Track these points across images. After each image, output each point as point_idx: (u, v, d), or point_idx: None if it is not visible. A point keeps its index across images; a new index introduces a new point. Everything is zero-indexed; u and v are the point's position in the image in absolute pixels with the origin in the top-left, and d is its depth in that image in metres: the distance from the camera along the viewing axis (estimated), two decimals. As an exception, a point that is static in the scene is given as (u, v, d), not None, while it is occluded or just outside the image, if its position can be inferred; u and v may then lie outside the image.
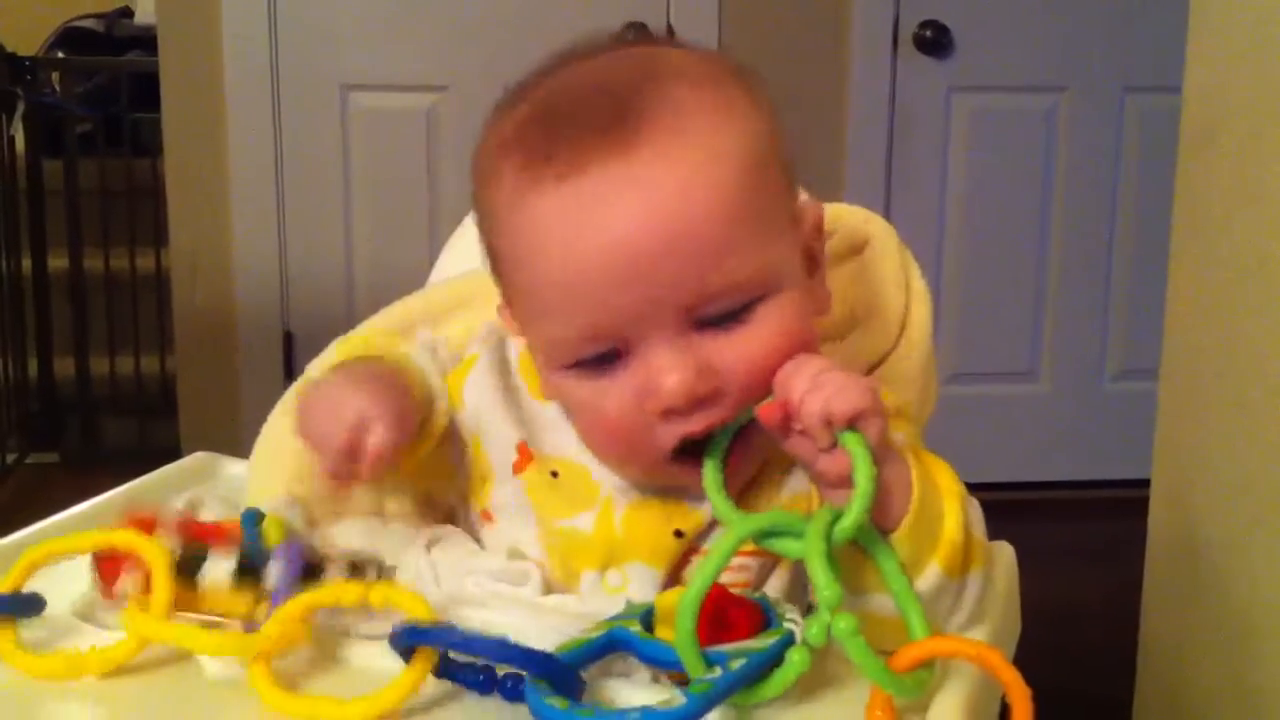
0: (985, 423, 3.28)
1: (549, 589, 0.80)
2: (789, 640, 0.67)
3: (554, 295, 0.75)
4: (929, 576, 0.73)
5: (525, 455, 0.84)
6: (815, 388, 0.71)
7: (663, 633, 0.69)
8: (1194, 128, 1.62)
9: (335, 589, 0.71)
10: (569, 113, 0.75)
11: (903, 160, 3.22)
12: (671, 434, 0.75)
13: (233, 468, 1.08)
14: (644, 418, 0.75)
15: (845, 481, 0.70)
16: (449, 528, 0.86)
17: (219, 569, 0.73)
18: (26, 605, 0.75)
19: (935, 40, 3.15)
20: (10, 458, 3.42)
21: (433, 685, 0.68)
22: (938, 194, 3.25)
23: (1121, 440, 3.15)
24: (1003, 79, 3.22)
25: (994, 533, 0.90)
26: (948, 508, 0.74)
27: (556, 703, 0.63)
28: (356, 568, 0.77)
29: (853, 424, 0.70)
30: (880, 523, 0.72)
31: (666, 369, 0.73)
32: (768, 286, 0.75)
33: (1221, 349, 1.55)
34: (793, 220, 0.81)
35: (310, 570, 0.74)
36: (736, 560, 0.78)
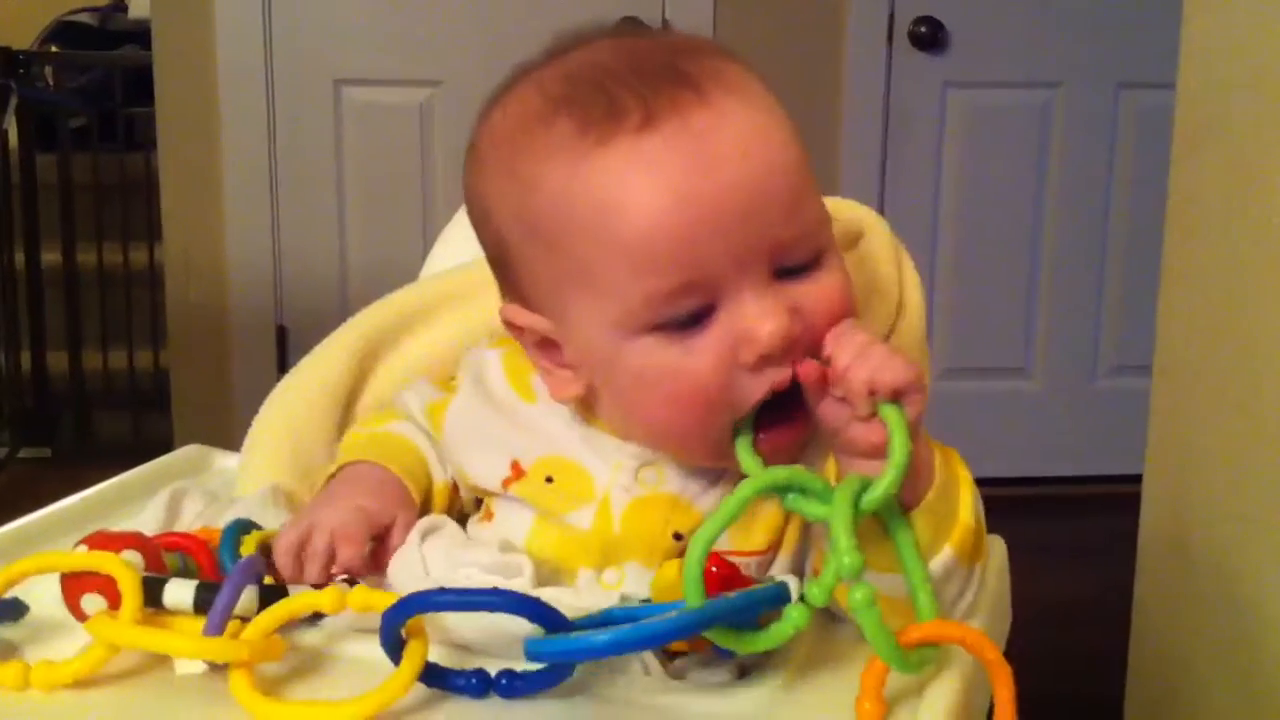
0: (977, 418, 3.28)
1: (541, 583, 0.80)
2: (786, 592, 0.67)
3: (636, 252, 0.72)
4: (943, 558, 0.74)
5: (518, 471, 0.83)
6: (863, 356, 0.71)
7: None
8: (1188, 124, 1.62)
9: (313, 596, 0.70)
10: (621, 73, 0.74)
11: (897, 156, 3.22)
12: (761, 386, 0.73)
13: (224, 461, 1.07)
14: (733, 374, 0.73)
15: (876, 452, 0.70)
16: (444, 519, 0.86)
17: (180, 594, 0.71)
18: (6, 611, 0.74)
19: (930, 36, 3.15)
20: (2, 452, 3.42)
21: (421, 690, 0.67)
22: (932, 189, 3.26)
23: (1114, 437, 3.15)
24: (997, 75, 3.22)
25: (986, 528, 0.90)
26: (962, 493, 0.75)
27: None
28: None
29: (896, 398, 0.70)
30: (905, 498, 0.72)
31: (762, 314, 0.72)
32: (827, 240, 0.77)
33: (1214, 346, 1.55)
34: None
35: (276, 592, 0.73)
36: (735, 560, 0.78)
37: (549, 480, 0.82)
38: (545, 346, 0.81)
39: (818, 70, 3.15)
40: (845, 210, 1.02)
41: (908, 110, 3.21)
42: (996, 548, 0.89)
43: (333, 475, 0.88)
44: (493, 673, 0.68)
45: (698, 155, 0.71)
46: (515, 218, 0.78)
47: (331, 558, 0.77)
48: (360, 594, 0.69)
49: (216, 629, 0.68)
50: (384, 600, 0.68)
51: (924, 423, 0.73)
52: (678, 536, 0.79)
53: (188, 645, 0.68)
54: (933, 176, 3.25)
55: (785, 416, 0.75)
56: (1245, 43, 1.49)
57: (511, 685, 0.67)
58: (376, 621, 0.74)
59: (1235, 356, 1.50)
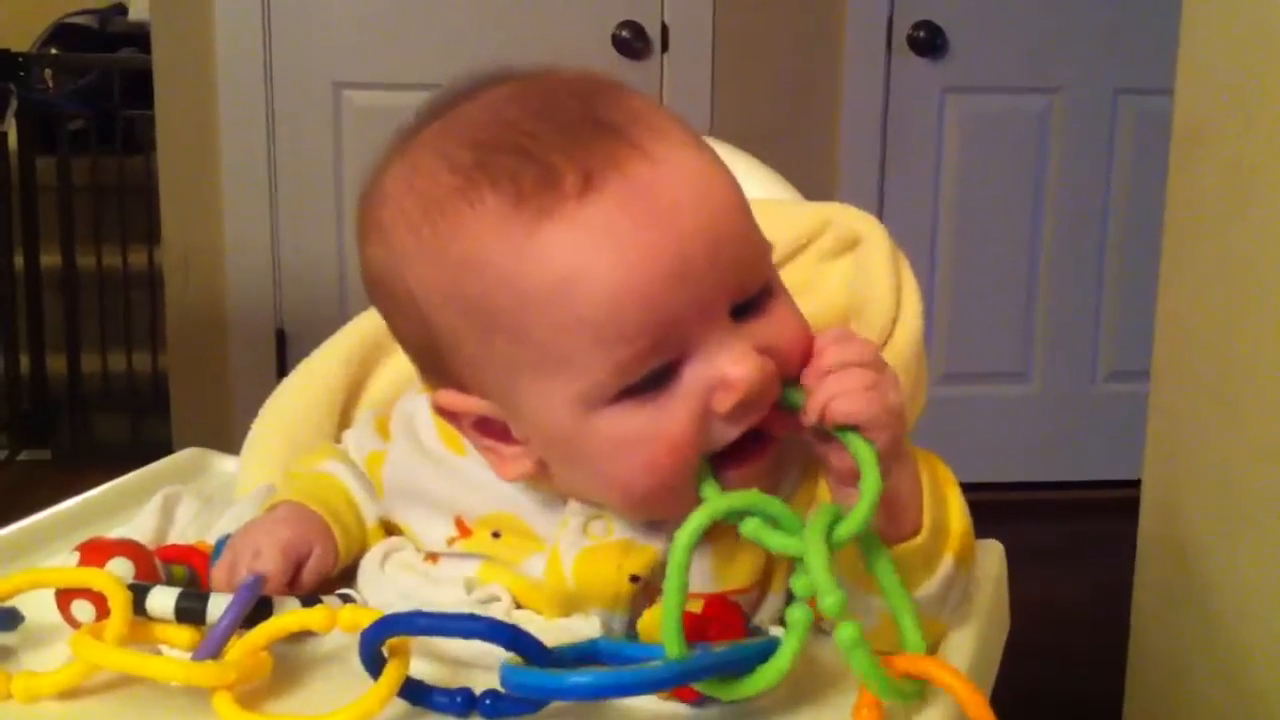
0: (976, 423, 3.29)
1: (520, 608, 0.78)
2: (776, 646, 0.65)
3: (611, 321, 0.67)
4: (944, 568, 0.73)
5: (463, 530, 0.80)
6: (834, 378, 0.69)
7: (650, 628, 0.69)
8: (1185, 130, 1.63)
9: (302, 615, 0.70)
10: (538, 131, 0.69)
11: (896, 161, 3.23)
12: (737, 429, 0.70)
13: (223, 464, 1.07)
14: (707, 424, 0.70)
15: (851, 479, 0.68)
16: (397, 539, 0.84)
17: (162, 601, 0.71)
18: (2, 620, 0.74)
19: (929, 41, 3.16)
20: (1, 454, 3.42)
21: (404, 707, 0.67)
22: (931, 194, 3.26)
23: (1112, 442, 3.16)
24: (996, 80, 3.22)
25: (984, 533, 0.90)
26: (950, 497, 0.74)
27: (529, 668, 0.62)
28: (313, 604, 0.74)
29: (856, 430, 0.68)
30: (892, 530, 0.70)
31: (734, 361, 0.68)
32: (771, 277, 0.74)
33: (1213, 351, 1.55)
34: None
35: (261, 606, 0.72)
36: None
37: (496, 535, 0.79)
38: (485, 425, 0.75)
39: (816, 75, 3.15)
40: (843, 215, 1.02)
41: (906, 115, 3.21)
42: (994, 551, 0.89)
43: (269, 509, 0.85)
44: (478, 691, 0.66)
45: (650, 210, 0.67)
46: (446, 305, 0.71)
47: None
48: (349, 613, 0.69)
49: (209, 654, 0.68)
50: (373, 619, 0.67)
51: (906, 445, 0.71)
52: (634, 579, 0.74)
53: (174, 670, 0.67)
54: (931, 182, 3.26)
55: (753, 448, 0.72)
56: (1242, 48, 1.50)
57: (495, 706, 0.65)
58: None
59: (1233, 362, 1.50)
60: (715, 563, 0.75)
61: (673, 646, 0.63)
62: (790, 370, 0.71)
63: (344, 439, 0.92)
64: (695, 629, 0.66)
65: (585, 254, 0.67)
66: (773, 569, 0.77)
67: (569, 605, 0.76)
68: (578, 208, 0.67)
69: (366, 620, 0.67)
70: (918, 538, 0.71)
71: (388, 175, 0.74)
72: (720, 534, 0.74)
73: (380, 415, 0.89)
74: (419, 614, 0.66)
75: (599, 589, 0.75)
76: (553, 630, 0.72)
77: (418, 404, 0.84)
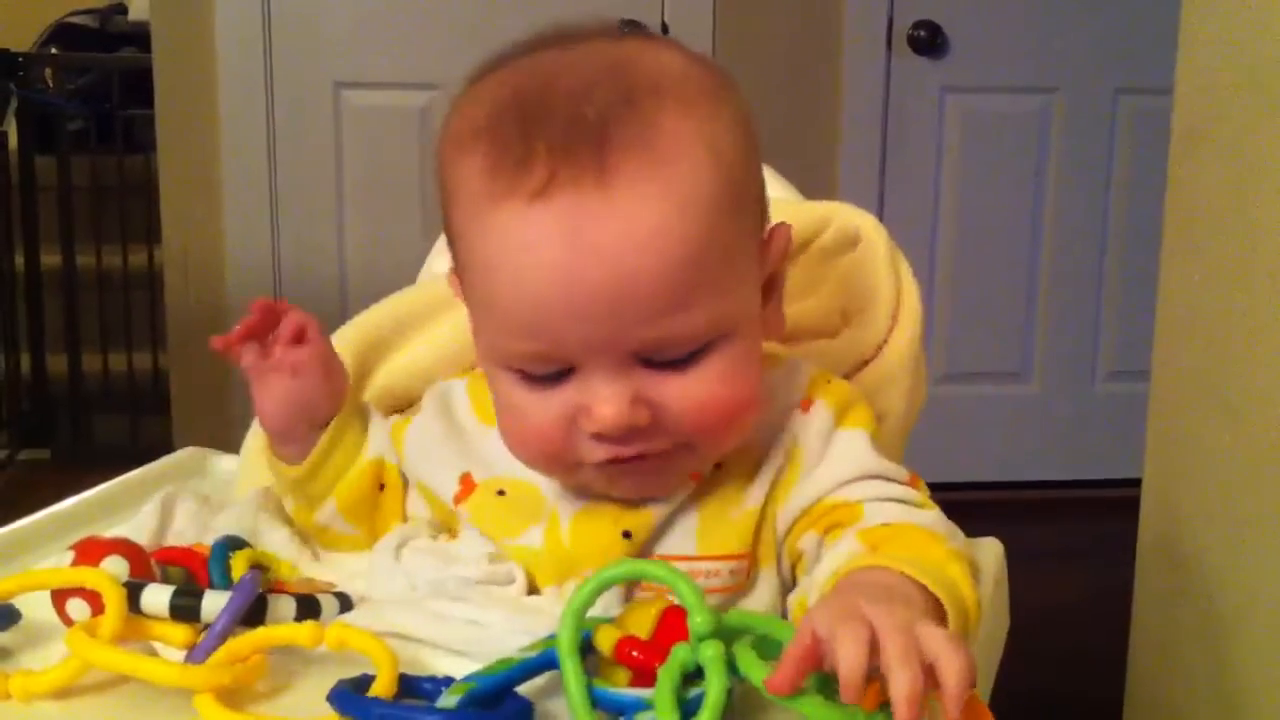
0: (976, 423, 3.29)
1: (531, 592, 0.79)
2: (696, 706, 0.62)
3: (504, 312, 0.74)
4: (973, 640, 0.72)
5: (468, 485, 0.84)
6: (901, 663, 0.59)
7: (604, 662, 0.67)
8: (1184, 130, 1.63)
9: (289, 629, 0.70)
10: (553, 114, 0.72)
11: (896, 160, 3.22)
12: (600, 452, 0.75)
13: (222, 463, 1.07)
14: (575, 433, 0.75)
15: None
16: (416, 528, 0.86)
17: (157, 598, 0.71)
18: (0, 619, 0.74)
19: (929, 40, 3.15)
20: (1, 454, 3.42)
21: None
22: (931, 194, 3.26)
23: (1112, 441, 3.16)
24: (996, 80, 3.22)
25: (984, 532, 0.91)
26: (957, 576, 0.72)
27: None
28: (309, 601, 0.75)
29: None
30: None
31: (605, 399, 0.73)
32: (721, 333, 0.75)
33: (1212, 351, 1.55)
34: (758, 253, 0.80)
35: (256, 603, 0.72)
36: (706, 565, 0.77)
37: (501, 493, 0.82)
38: (476, 334, 0.82)
39: (816, 74, 3.15)
40: (842, 214, 1.02)
41: (906, 115, 3.21)
42: (994, 551, 0.89)
43: None
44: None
45: (574, 243, 0.70)
46: (447, 203, 0.79)
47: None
48: (337, 630, 0.69)
49: (205, 655, 0.68)
50: (360, 638, 0.68)
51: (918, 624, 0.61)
52: (627, 534, 0.78)
53: (168, 673, 0.67)
54: (931, 181, 3.25)
55: (631, 461, 0.75)
56: (1242, 48, 1.50)
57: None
58: (375, 629, 0.74)
59: (1233, 361, 1.50)
60: (701, 529, 0.78)
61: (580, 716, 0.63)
62: (679, 430, 0.74)
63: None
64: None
65: (510, 251, 0.72)
66: (759, 540, 0.79)
67: (565, 569, 0.78)
68: (525, 207, 0.71)
69: (354, 639, 0.67)
70: None
71: (466, 95, 0.79)
72: (706, 500, 0.79)
73: (435, 377, 0.95)
74: (379, 702, 0.64)
75: (593, 548, 0.78)
76: (512, 634, 0.72)
77: (455, 383, 0.90)
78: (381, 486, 0.89)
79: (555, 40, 0.80)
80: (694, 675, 0.63)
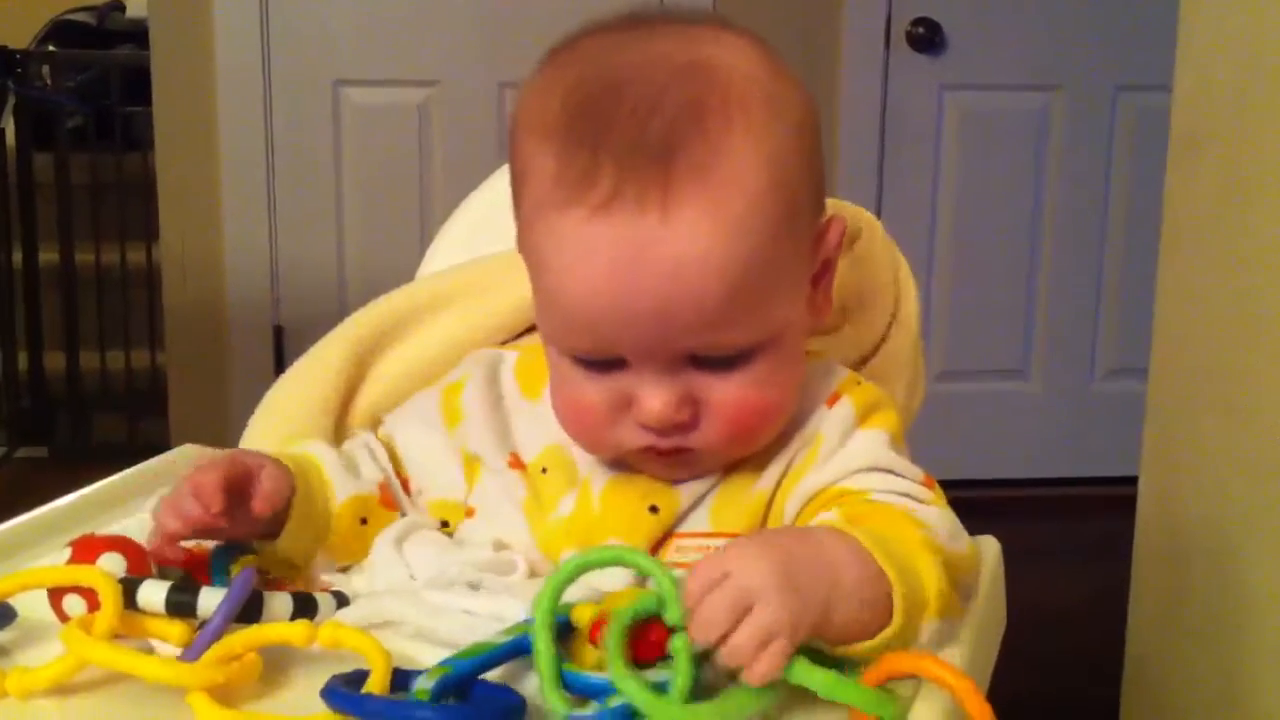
0: (975, 420, 3.29)
1: (534, 577, 0.80)
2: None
3: (560, 308, 0.78)
4: (927, 630, 0.72)
5: (516, 463, 0.87)
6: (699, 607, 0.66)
7: (578, 644, 0.68)
8: (1183, 128, 1.63)
9: (283, 628, 0.70)
10: (620, 125, 0.75)
11: (894, 158, 3.22)
12: (641, 439, 0.79)
13: (220, 461, 1.07)
14: (621, 418, 0.79)
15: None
16: (419, 520, 0.86)
17: (153, 594, 0.71)
18: None
19: (927, 38, 3.15)
20: (-1, 452, 3.42)
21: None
22: (929, 192, 3.26)
23: (1111, 439, 3.15)
24: (995, 77, 3.22)
25: (981, 530, 0.90)
26: (921, 565, 0.72)
27: None
28: (305, 599, 0.75)
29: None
30: (864, 633, 0.69)
31: (653, 395, 0.77)
32: (766, 339, 0.78)
33: (1210, 349, 1.55)
34: (810, 251, 0.83)
35: (252, 600, 0.72)
36: (717, 541, 0.78)
37: (544, 471, 0.85)
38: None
39: (815, 71, 3.15)
40: (840, 211, 1.02)
41: (905, 112, 3.21)
42: (991, 549, 0.89)
43: None
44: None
45: (631, 261, 0.74)
46: (515, 190, 0.82)
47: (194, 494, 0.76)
48: (330, 629, 0.69)
49: (200, 653, 0.68)
50: (353, 636, 0.68)
51: (819, 606, 0.66)
52: (654, 509, 0.81)
53: (162, 671, 0.67)
54: (930, 179, 3.25)
55: (666, 452, 0.80)
56: (1240, 46, 1.50)
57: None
58: (372, 621, 0.74)
59: (1231, 359, 1.50)
60: (717, 506, 0.82)
61: (554, 704, 0.64)
62: (716, 427, 0.79)
63: (386, 421, 0.94)
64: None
65: (568, 256, 0.76)
66: (765, 520, 0.82)
67: (590, 534, 0.81)
68: (588, 217, 0.74)
69: (347, 638, 0.68)
70: (885, 632, 0.69)
71: (544, 76, 0.82)
72: (726, 481, 0.82)
73: (433, 374, 0.96)
74: (372, 698, 0.64)
75: (620, 517, 0.81)
76: (482, 622, 0.72)
77: (506, 356, 0.93)
78: (364, 521, 0.86)
79: (632, 25, 0.82)
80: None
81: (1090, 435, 3.32)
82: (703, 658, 0.64)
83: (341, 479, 0.87)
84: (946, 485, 0.83)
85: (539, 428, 0.86)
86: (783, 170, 0.77)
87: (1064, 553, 2.83)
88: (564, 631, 0.68)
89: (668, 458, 0.80)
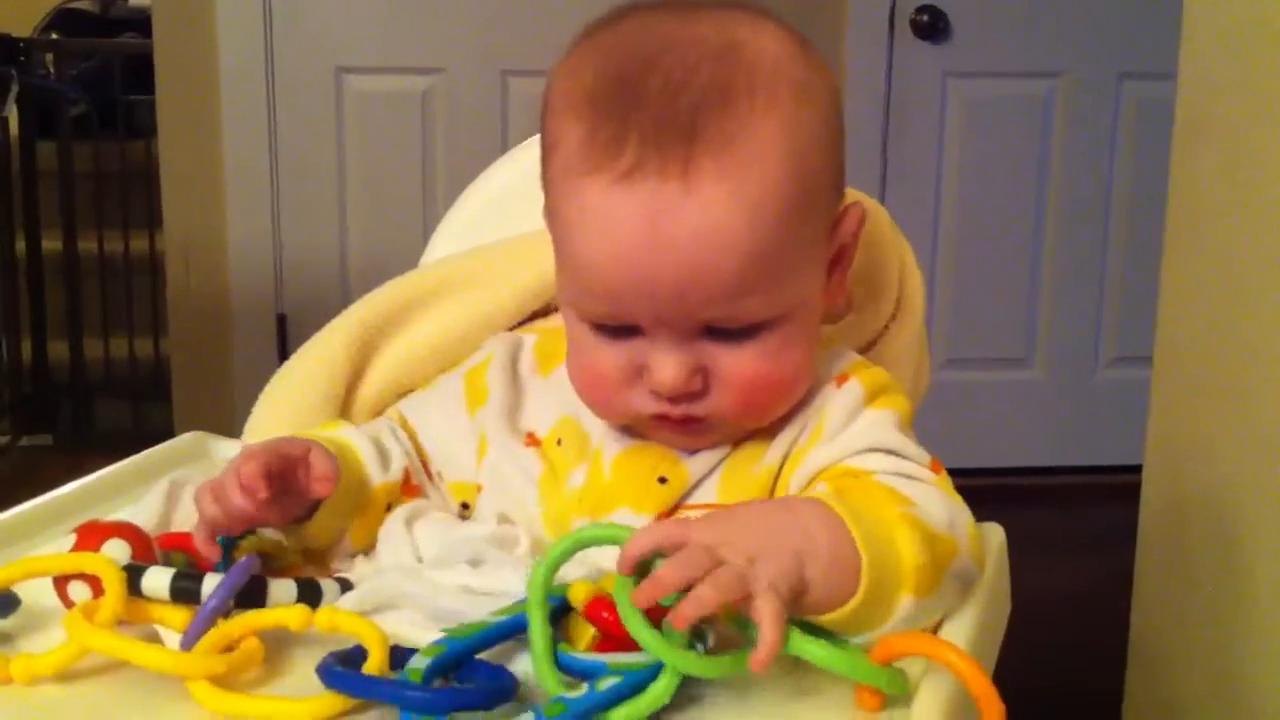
0: (978, 409, 3.29)
1: (537, 554, 0.80)
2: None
3: (580, 274, 0.80)
4: (904, 608, 0.71)
5: (534, 441, 0.88)
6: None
7: (574, 623, 0.69)
8: (1188, 116, 1.62)
9: (279, 613, 0.70)
10: (649, 98, 0.77)
11: (898, 145, 3.22)
12: (652, 405, 0.81)
13: (223, 448, 1.07)
14: (634, 384, 0.81)
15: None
16: (423, 502, 0.87)
17: (158, 581, 0.71)
18: (1, 606, 0.74)
19: (931, 25, 3.15)
20: (3, 440, 3.42)
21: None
22: (933, 179, 3.25)
23: (1114, 427, 3.16)
24: (999, 65, 3.21)
25: (985, 518, 0.90)
26: (899, 537, 0.71)
27: None
28: (310, 585, 0.75)
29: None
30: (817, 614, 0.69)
31: (665, 364, 0.79)
32: (780, 314, 0.80)
33: (1214, 337, 1.55)
34: (828, 234, 0.84)
35: (256, 586, 0.72)
36: None
37: (559, 443, 0.87)
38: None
39: (819, 59, 3.14)
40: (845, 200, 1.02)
41: (909, 100, 3.21)
42: (995, 536, 0.89)
43: None
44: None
45: (650, 230, 0.76)
46: (544, 158, 0.84)
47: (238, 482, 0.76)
48: (327, 614, 0.69)
49: (196, 634, 0.68)
50: (349, 621, 0.68)
51: (792, 569, 0.67)
52: (662, 480, 0.83)
53: (164, 660, 0.67)
54: (934, 166, 3.25)
55: (676, 420, 0.81)
56: (1243, 35, 1.49)
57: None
58: (375, 603, 0.74)
59: (1235, 347, 1.50)
60: (724, 480, 0.83)
61: (548, 683, 0.64)
62: (726, 398, 0.80)
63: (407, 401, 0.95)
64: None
65: (590, 223, 0.78)
66: (773, 496, 0.82)
67: (600, 504, 0.82)
68: (610, 186, 0.76)
69: (347, 624, 0.68)
70: (852, 601, 0.69)
71: (581, 47, 0.83)
72: (734, 455, 0.83)
73: (437, 361, 0.98)
74: (364, 676, 0.65)
75: (630, 486, 0.82)
76: (481, 599, 0.73)
77: (525, 339, 0.94)
78: (389, 507, 0.87)
79: (671, 8, 0.83)
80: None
81: (1094, 423, 3.32)
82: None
83: (376, 465, 0.87)
84: (950, 473, 0.83)
85: (551, 399, 0.88)
86: (805, 155, 0.79)
87: (1068, 541, 2.83)
88: (561, 611, 0.68)
89: (679, 426, 0.81)
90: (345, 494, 0.83)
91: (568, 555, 0.68)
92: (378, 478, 0.86)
